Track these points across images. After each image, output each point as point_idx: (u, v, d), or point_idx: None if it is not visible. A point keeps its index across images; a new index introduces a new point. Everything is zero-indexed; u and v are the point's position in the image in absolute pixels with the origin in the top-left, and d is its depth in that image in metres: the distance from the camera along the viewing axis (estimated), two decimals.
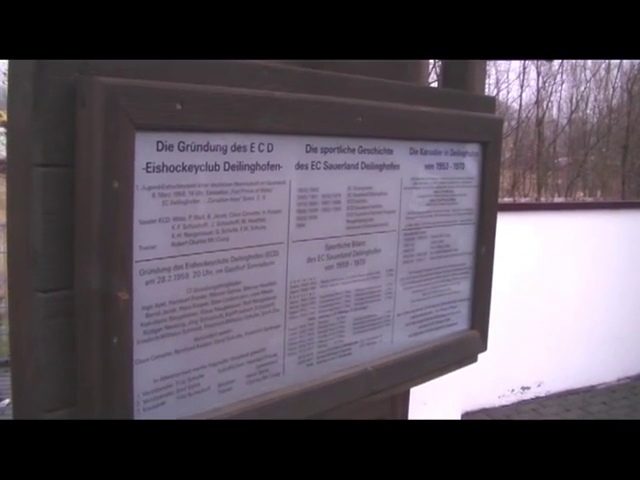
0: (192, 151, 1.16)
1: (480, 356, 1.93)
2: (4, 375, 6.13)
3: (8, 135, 1.15)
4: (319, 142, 1.38)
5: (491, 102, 1.91)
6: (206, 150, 1.18)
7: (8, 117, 1.14)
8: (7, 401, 5.42)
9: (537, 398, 5.77)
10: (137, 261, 1.10)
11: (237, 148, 1.23)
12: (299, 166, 1.35)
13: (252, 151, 1.26)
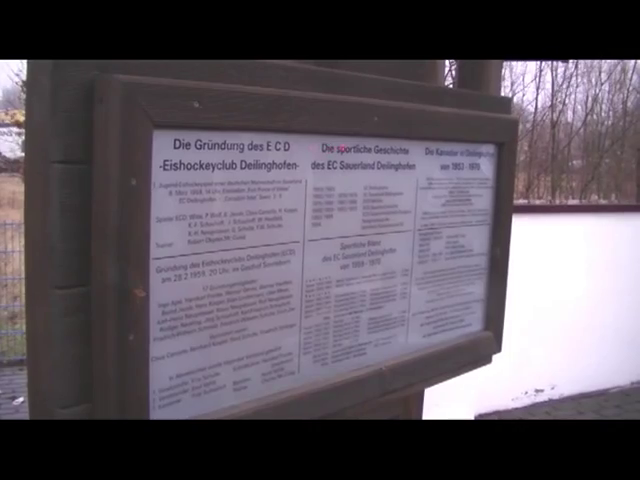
0: (209, 149, 1.16)
1: (494, 358, 1.92)
2: (18, 373, 6.18)
3: (26, 132, 1.16)
4: (335, 141, 1.38)
5: (507, 103, 1.90)
6: (223, 148, 1.18)
7: (26, 114, 1.14)
8: (21, 399, 5.45)
9: (550, 401, 5.75)
10: (154, 258, 1.10)
11: (254, 147, 1.23)
12: (315, 165, 1.35)
13: (269, 150, 1.26)
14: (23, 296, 6.63)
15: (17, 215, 9.41)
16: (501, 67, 2.18)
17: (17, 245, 7.05)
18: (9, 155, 21.66)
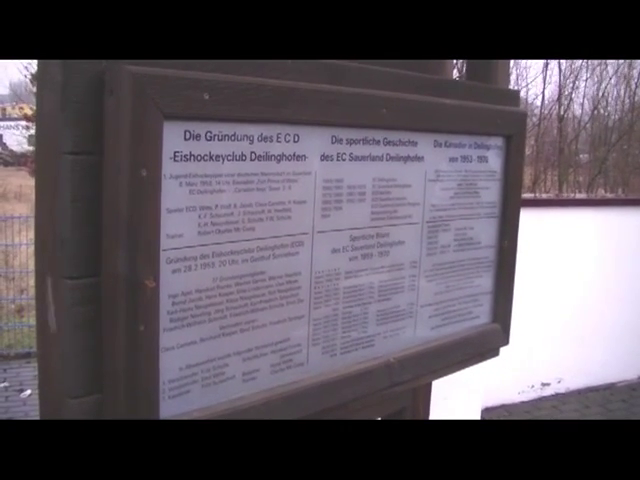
0: (219, 141, 1.17)
1: (500, 352, 1.92)
2: (25, 366, 6.20)
3: (37, 124, 1.16)
4: (344, 133, 1.38)
5: (515, 96, 1.90)
6: (233, 140, 1.19)
7: (37, 106, 1.15)
8: (29, 392, 5.47)
9: (557, 395, 5.75)
10: (164, 249, 1.11)
11: (263, 138, 1.24)
12: (324, 157, 1.35)
13: (278, 141, 1.26)
14: (30, 289, 6.66)
15: (24, 209, 9.44)
16: (509, 62, 2.18)
17: (24, 239, 7.07)
18: (16, 148, 21.69)
